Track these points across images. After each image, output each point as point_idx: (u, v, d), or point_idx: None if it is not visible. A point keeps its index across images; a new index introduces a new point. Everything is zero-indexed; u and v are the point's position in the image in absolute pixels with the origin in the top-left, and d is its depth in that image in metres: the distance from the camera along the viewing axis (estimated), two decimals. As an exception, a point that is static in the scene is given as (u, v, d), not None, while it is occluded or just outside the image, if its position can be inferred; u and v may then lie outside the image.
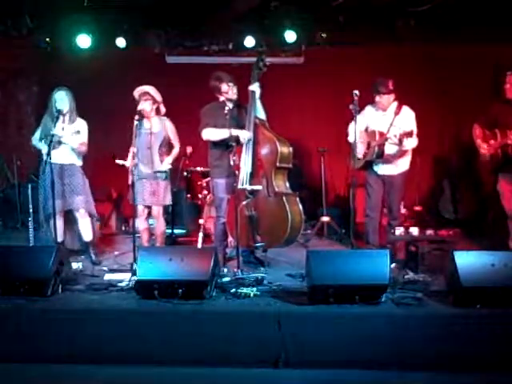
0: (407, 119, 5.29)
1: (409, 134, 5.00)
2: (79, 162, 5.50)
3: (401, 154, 5.33)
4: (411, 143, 5.20)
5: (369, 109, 5.50)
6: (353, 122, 5.58)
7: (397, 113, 5.34)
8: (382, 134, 5.28)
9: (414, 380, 3.61)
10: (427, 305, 3.97)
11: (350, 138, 5.60)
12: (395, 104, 5.39)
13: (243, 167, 5.05)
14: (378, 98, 5.33)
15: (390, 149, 5.29)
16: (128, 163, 5.37)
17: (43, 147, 5.26)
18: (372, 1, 6.43)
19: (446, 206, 7.23)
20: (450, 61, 7.21)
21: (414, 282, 4.47)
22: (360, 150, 5.38)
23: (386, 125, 5.32)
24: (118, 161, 5.49)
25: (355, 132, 5.01)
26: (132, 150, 5.28)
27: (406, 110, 5.37)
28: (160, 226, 5.61)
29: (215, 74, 5.30)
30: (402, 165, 5.43)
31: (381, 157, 5.30)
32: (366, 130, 5.47)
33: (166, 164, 5.49)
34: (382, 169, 5.42)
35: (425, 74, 7.38)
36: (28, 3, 6.50)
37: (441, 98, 7.33)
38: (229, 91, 5.22)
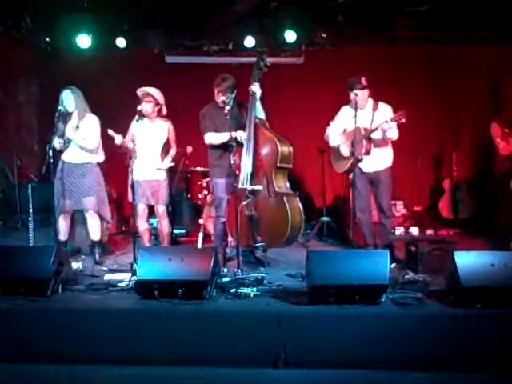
0: (386, 113, 5.25)
1: (401, 115, 4.97)
2: (93, 160, 5.43)
3: (385, 142, 5.32)
4: (395, 132, 5.19)
5: (345, 109, 5.47)
6: (331, 126, 5.59)
7: (374, 109, 5.35)
8: (366, 130, 5.27)
9: (414, 380, 3.60)
10: (427, 305, 3.97)
11: (333, 142, 5.58)
12: (371, 101, 5.39)
13: (243, 167, 5.04)
14: (352, 95, 5.26)
15: (376, 135, 5.28)
16: (118, 139, 5.22)
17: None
18: (372, 0, 6.43)
19: (446, 206, 7.22)
20: (449, 61, 7.22)
21: (414, 282, 4.46)
22: (345, 150, 5.38)
23: (367, 121, 5.31)
24: (110, 132, 5.24)
25: (357, 129, 4.99)
26: (125, 140, 5.28)
27: (382, 105, 5.38)
28: (165, 226, 5.60)
29: (221, 74, 5.25)
30: (386, 160, 5.42)
31: (369, 152, 5.29)
32: (345, 131, 5.46)
33: (167, 162, 5.48)
34: (367, 166, 5.37)
35: (425, 74, 7.39)
36: (28, 3, 6.50)
37: (441, 98, 7.33)
38: (218, 98, 5.18)
